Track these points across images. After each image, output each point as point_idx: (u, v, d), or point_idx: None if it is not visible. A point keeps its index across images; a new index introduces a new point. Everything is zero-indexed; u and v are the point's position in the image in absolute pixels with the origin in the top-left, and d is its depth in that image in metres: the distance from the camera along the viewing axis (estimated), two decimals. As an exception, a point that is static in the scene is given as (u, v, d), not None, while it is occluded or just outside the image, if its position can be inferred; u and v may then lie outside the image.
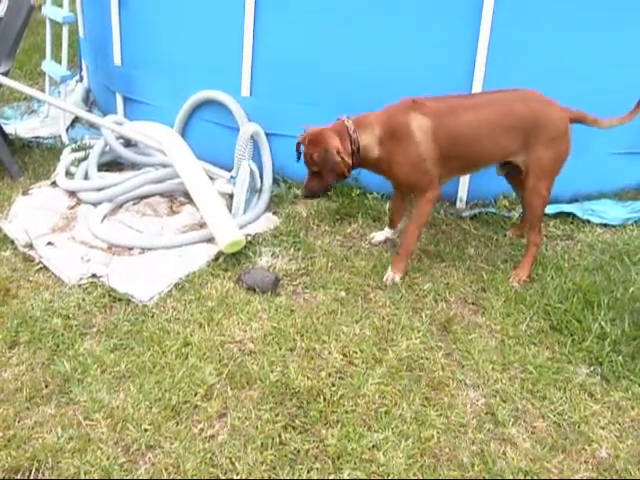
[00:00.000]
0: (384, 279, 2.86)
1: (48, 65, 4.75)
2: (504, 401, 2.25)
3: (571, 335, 2.54)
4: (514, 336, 2.55)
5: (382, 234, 3.21)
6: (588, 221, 3.42)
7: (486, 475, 1.97)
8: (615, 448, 2.09)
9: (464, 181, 3.49)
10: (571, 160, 3.15)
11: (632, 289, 2.78)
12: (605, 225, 3.37)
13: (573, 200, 3.48)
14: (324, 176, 2.75)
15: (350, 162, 2.75)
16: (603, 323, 2.56)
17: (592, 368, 2.41)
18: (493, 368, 2.39)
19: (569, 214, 3.43)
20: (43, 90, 4.90)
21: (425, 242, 3.19)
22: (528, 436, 2.12)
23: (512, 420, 2.17)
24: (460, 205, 3.52)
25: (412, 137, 2.69)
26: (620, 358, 2.42)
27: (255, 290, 2.76)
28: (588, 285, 2.78)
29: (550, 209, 3.29)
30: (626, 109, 2.91)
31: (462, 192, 3.51)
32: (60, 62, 4.54)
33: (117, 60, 4.15)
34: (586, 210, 3.46)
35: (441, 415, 2.18)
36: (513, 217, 3.37)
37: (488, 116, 2.74)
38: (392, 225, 3.19)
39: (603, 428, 2.16)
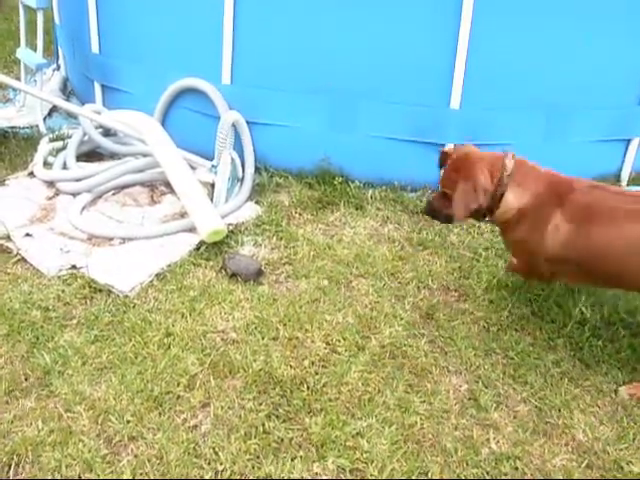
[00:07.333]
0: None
1: (23, 52, 4.64)
2: (486, 387, 2.27)
3: (552, 321, 2.57)
4: (496, 322, 2.57)
5: None
6: (568, 208, 3.45)
7: (469, 460, 1.99)
8: (594, 431, 2.12)
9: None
10: (550, 148, 3.16)
11: (611, 275, 2.81)
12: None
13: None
14: (454, 206, 2.35)
15: None
16: (583, 309, 2.58)
17: (572, 353, 2.44)
18: (475, 354, 2.41)
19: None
20: (18, 78, 4.79)
21: (408, 230, 3.19)
22: (510, 421, 2.14)
23: (494, 405, 2.19)
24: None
25: None
26: (600, 343, 2.45)
27: (237, 277, 2.74)
28: (569, 271, 2.81)
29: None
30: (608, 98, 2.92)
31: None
32: (35, 49, 4.44)
33: (95, 48, 4.07)
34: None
35: (424, 401, 2.19)
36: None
37: None
38: None
39: (583, 412, 2.19)
